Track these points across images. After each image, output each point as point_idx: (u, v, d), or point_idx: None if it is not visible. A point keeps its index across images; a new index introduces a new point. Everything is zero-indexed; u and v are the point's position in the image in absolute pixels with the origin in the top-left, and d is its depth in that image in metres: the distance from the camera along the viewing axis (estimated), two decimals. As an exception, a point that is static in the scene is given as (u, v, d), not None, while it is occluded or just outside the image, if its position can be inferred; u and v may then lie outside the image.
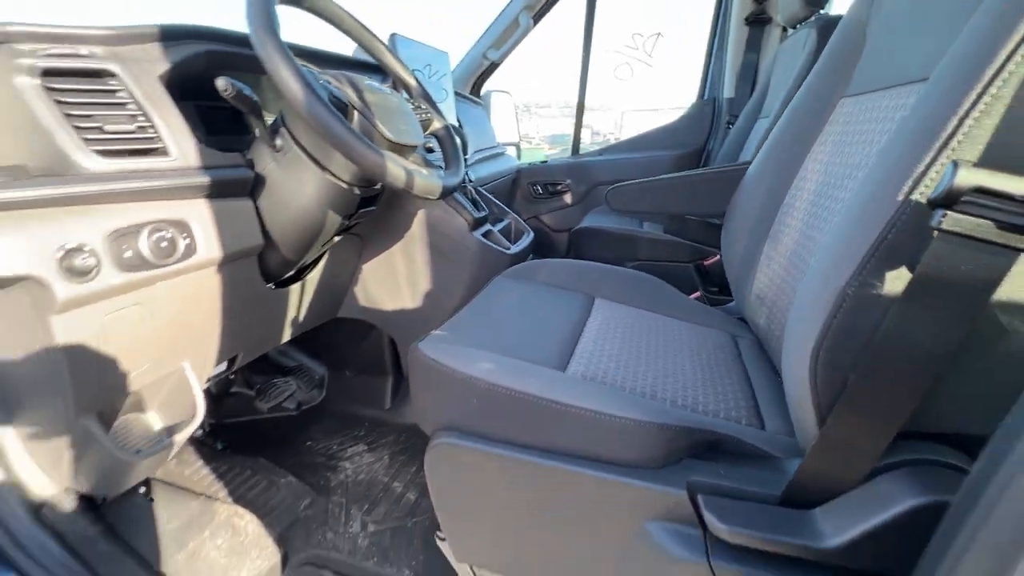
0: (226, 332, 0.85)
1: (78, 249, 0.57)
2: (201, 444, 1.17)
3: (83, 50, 0.63)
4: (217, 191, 0.73)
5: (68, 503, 0.69)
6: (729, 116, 1.96)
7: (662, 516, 0.54)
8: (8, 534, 0.62)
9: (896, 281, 0.41)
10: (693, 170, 1.45)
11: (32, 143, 0.59)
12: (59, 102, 0.60)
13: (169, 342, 0.75)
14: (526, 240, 1.39)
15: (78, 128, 0.61)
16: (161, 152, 0.68)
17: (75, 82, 0.62)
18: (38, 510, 0.66)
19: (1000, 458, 0.31)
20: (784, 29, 1.90)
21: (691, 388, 0.69)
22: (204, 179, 0.71)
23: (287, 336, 1.09)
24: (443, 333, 0.73)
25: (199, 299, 0.77)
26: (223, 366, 0.95)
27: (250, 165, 0.80)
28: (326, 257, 1.08)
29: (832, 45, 0.84)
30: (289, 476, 1.12)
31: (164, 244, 0.65)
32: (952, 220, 0.35)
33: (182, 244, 0.68)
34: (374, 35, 0.93)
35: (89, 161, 0.60)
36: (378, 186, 0.91)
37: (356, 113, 0.76)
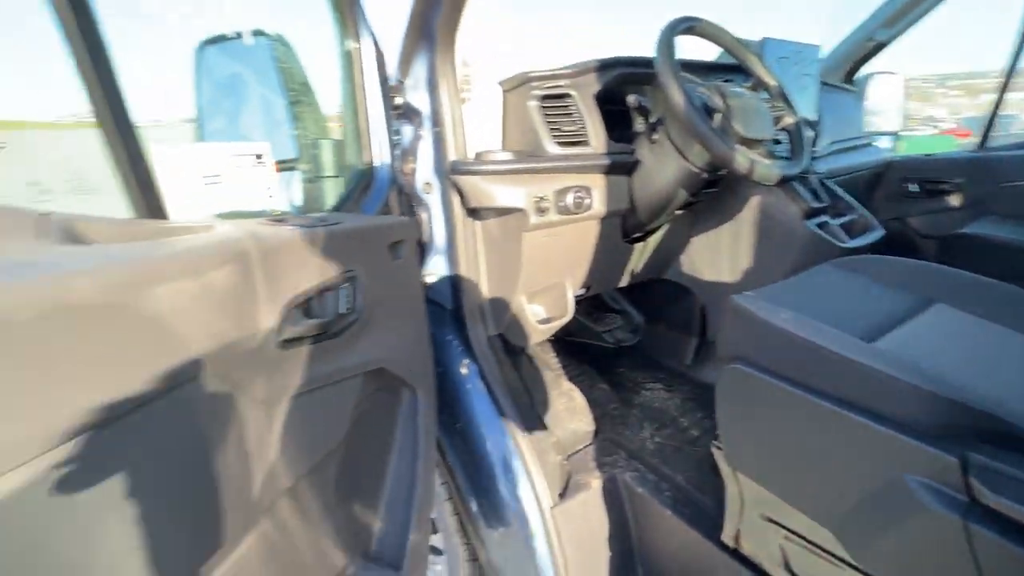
0: (591, 266, 1.25)
1: (543, 198, 1.01)
2: (551, 344, 1.69)
3: (560, 83, 1.07)
4: (610, 169, 1.10)
5: (501, 344, 1.22)
6: None
7: (925, 473, 0.61)
8: (479, 346, 1.17)
9: None
10: None
11: (529, 138, 1.07)
12: (544, 115, 1.05)
13: (562, 263, 1.19)
14: (869, 237, 1.34)
15: (550, 129, 1.05)
16: (585, 143, 1.08)
17: (552, 102, 1.07)
18: (490, 339, 1.20)
19: None
20: None
21: (1008, 390, 0.67)
22: (605, 161, 1.08)
23: (623, 282, 1.44)
24: (754, 294, 0.91)
25: (583, 239, 1.18)
26: (582, 291, 1.37)
27: (632, 152, 1.14)
28: (666, 226, 1.36)
29: None
30: (604, 384, 1.51)
31: (577, 200, 1.06)
32: None
33: (585, 202, 1.08)
34: (745, 47, 1.12)
35: (552, 148, 1.04)
36: (723, 171, 1.12)
37: (719, 115, 0.99)
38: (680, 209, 1.26)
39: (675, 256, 1.51)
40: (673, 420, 1.38)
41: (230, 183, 0.69)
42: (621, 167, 1.12)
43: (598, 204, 1.10)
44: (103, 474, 0.39)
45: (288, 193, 0.97)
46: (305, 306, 0.62)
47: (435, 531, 1.40)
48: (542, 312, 1.27)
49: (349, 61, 0.99)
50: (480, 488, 1.13)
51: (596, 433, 1.30)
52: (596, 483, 1.13)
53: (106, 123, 0.55)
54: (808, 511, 0.78)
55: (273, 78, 0.97)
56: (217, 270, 0.48)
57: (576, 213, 1.07)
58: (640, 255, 1.40)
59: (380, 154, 1.05)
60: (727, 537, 0.95)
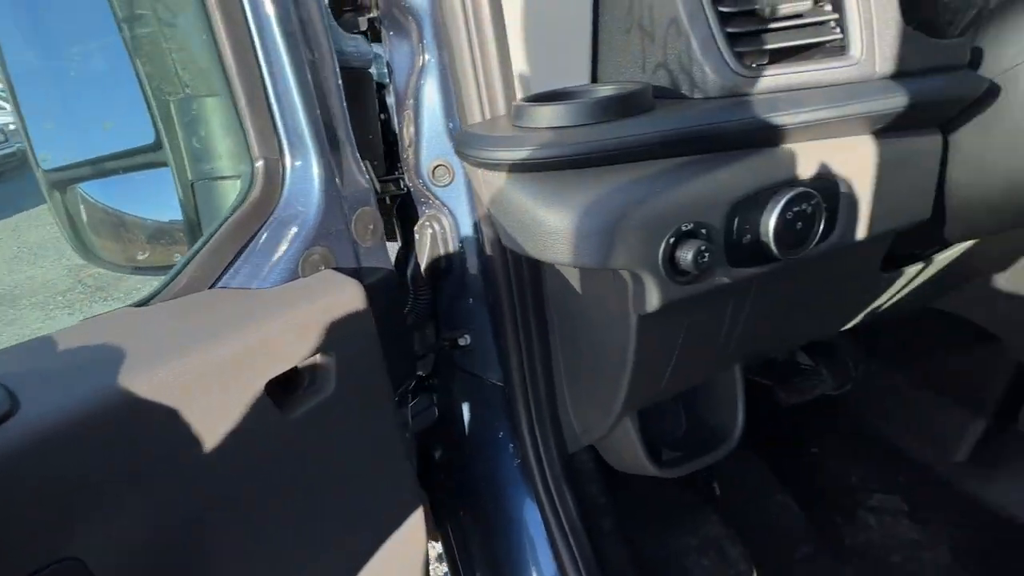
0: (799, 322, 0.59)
1: (694, 230, 0.37)
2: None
3: None
4: (901, 122, 0.39)
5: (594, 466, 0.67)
6: None
7: None
8: (548, 471, 0.63)
9: None
10: None
11: (672, 52, 0.40)
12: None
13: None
14: None
15: (719, 20, 0.37)
16: (837, 53, 0.38)
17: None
18: (569, 460, 0.65)
19: None
20: None
21: None
22: (890, 102, 0.38)
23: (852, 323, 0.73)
24: None
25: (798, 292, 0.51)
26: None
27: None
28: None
29: None
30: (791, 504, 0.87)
31: (797, 222, 0.39)
32: None
33: (814, 229, 0.40)
34: None
35: (732, 73, 0.38)
36: None
37: None
38: None
39: (963, 278, 0.74)
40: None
41: None
42: (927, 113, 0.40)
43: (846, 225, 0.42)
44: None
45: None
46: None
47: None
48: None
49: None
50: None
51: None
52: None
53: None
54: None
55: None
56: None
57: (792, 253, 0.41)
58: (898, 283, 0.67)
59: (303, 122, 0.47)
60: None
